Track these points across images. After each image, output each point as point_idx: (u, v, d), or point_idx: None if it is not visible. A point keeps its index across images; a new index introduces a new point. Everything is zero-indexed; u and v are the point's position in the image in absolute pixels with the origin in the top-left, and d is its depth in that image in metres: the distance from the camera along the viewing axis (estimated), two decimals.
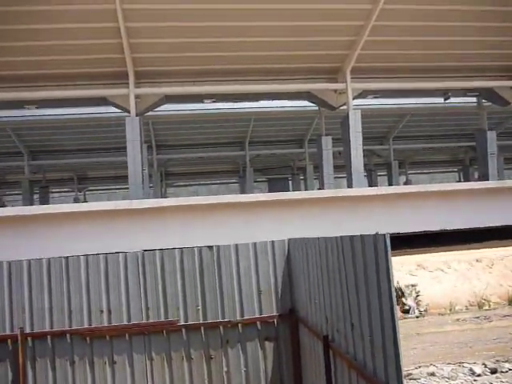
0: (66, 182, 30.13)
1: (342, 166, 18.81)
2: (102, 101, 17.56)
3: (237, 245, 6.86)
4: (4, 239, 10.02)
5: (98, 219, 14.45)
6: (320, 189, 20.67)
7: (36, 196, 27.81)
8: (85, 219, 14.26)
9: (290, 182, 31.95)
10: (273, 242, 6.89)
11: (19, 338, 6.16)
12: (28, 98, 16.79)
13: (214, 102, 19.43)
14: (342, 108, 18.16)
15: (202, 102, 19.66)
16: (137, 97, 16.89)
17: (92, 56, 15.53)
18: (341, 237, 4.35)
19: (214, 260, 6.78)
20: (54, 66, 15.54)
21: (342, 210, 15.96)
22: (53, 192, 31.80)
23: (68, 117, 20.77)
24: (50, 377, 6.31)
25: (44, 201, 26.89)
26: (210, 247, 6.81)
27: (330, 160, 19.99)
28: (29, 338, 6.28)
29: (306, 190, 27.25)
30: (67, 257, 6.50)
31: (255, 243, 6.89)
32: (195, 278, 6.71)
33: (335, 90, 17.92)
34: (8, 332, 6.27)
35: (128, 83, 16.44)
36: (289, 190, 29.45)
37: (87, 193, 33.52)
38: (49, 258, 6.46)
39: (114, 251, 6.44)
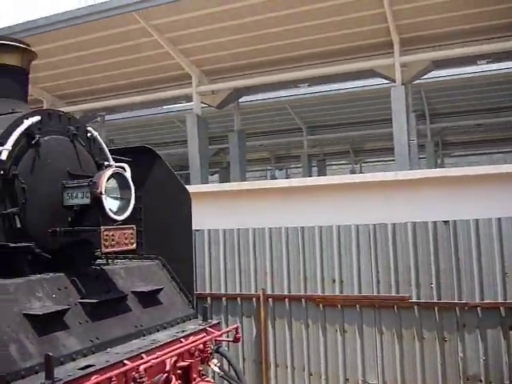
0: (342, 154, 31.37)
1: None
2: (369, 73, 17.63)
3: (477, 220, 6.18)
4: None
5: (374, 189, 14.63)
6: None
7: (314, 169, 29.76)
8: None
9: None
10: None
11: (261, 298, 6.82)
12: (300, 77, 17.94)
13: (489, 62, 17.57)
14: None
15: (476, 64, 17.98)
16: (403, 65, 16.42)
17: (355, 30, 15.66)
18: None
19: (449, 235, 6.25)
20: (317, 45, 16.16)
21: None
22: (329, 165, 33.45)
23: (339, 92, 21.46)
24: (287, 336, 6.81)
25: (321, 173, 28.54)
26: (446, 222, 6.29)
27: None
28: (270, 299, 6.88)
29: None
30: (303, 227, 6.85)
31: (499, 219, 6.09)
32: (428, 254, 6.32)
33: None
34: (253, 292, 6.99)
35: (393, 52, 16.09)
36: None
37: (363, 165, 34.28)
38: (287, 227, 6.93)
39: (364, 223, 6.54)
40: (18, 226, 4.19)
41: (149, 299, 5.01)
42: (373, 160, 34.31)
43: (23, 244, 4.23)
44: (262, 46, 15.97)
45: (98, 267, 4.93)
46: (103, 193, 4.24)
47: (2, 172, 4.18)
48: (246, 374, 6.88)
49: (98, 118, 21.49)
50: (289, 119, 24.64)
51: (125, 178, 4.57)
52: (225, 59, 16.93)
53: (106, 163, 5.17)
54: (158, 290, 5.13)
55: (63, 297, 4.22)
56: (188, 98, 19.72)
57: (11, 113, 4.72)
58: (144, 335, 4.67)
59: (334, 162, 34.31)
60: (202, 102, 18.66)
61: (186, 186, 5.87)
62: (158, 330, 4.88)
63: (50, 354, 3.41)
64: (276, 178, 29.54)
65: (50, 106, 17.31)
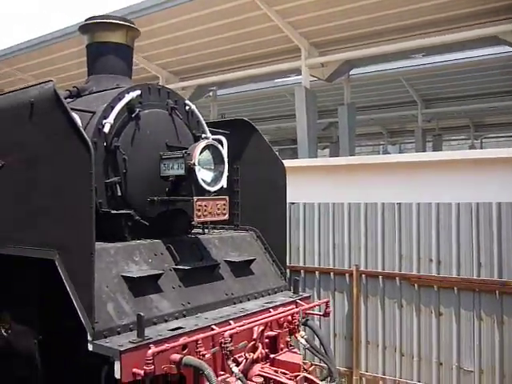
0: (460, 129, 29.61)
1: None
2: (493, 40, 16.35)
3: None
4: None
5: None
6: None
7: (429, 144, 28.40)
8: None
9: None
10: None
11: (355, 273, 6.73)
12: (415, 47, 17.08)
13: None
14: None
15: None
16: None
17: None
18: None
19: None
20: (433, 12, 15.24)
21: None
22: (446, 140, 31.73)
23: (457, 62, 20.16)
24: (380, 314, 6.67)
25: (437, 149, 27.19)
26: None
27: None
28: (363, 275, 6.77)
29: None
30: (399, 203, 6.61)
31: None
32: None
33: None
34: (346, 267, 6.92)
35: None
36: None
37: (484, 140, 32.11)
38: (383, 203, 6.72)
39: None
40: (119, 194, 4.49)
41: (241, 269, 5.15)
42: (494, 135, 32.02)
43: (124, 211, 4.53)
44: (374, 15, 15.39)
45: (193, 236, 5.15)
46: (196, 164, 4.40)
47: (105, 144, 4.49)
48: (335, 349, 6.87)
49: (211, 93, 22.10)
50: (402, 92, 23.63)
51: (218, 150, 4.69)
52: (334, 30, 16.56)
53: (203, 136, 5.34)
54: (251, 261, 5.26)
55: (158, 262, 4.47)
56: (298, 72, 19.66)
57: (115, 88, 5.02)
58: (234, 303, 4.83)
59: (450, 137, 32.51)
60: (312, 75, 18.49)
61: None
62: (249, 299, 5.02)
63: (142, 314, 3.66)
64: (389, 153, 28.64)
65: (165, 81, 18.09)
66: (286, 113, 25.68)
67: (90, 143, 3.62)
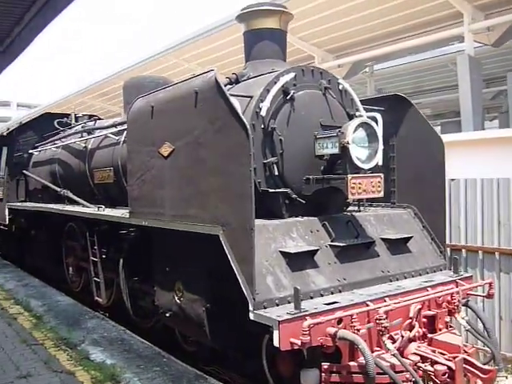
0: None
1: None
2: None
3: None
4: None
5: None
6: None
7: None
8: None
9: None
10: None
11: None
12: None
13: None
14: None
15: None
16: None
17: None
18: None
19: None
20: None
21: None
22: None
23: None
24: None
25: None
26: None
27: None
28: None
29: None
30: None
31: None
32: None
33: None
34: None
35: None
36: None
37: None
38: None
39: None
40: (277, 173, 4.71)
41: (397, 246, 5.10)
42: None
43: (281, 190, 4.74)
44: None
45: (349, 213, 5.21)
46: (350, 142, 4.44)
47: (262, 126, 4.74)
48: (500, 333, 6.45)
49: (367, 69, 21.64)
50: None
51: (372, 127, 4.66)
52: None
53: (357, 113, 5.34)
54: (408, 238, 5.17)
55: (314, 238, 4.62)
56: (460, 39, 18.36)
57: (271, 72, 5.23)
58: (390, 281, 4.81)
59: None
60: (476, 41, 17.16)
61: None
62: (405, 278, 4.96)
63: (298, 287, 3.84)
64: None
65: (321, 60, 18.13)
66: (450, 83, 24.16)
67: (249, 127, 3.87)
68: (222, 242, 4.10)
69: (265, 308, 3.92)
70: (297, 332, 3.70)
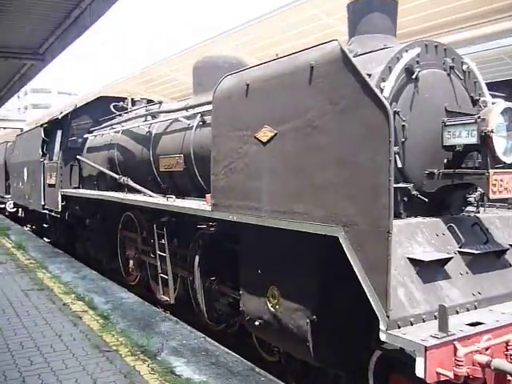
0: None
1: None
2: None
3: None
4: None
5: None
6: None
7: None
8: None
9: None
10: None
11: None
12: None
13: None
14: None
15: None
16: None
17: None
18: None
19: None
20: None
21: None
22: None
23: None
24: None
25: None
26: None
27: None
28: None
29: None
30: None
31: None
32: None
33: None
34: None
35: None
36: None
37: None
38: None
39: None
40: (400, 165, 4.00)
41: None
42: None
43: (402, 185, 4.04)
44: None
45: (472, 215, 4.48)
46: (494, 131, 3.71)
47: None
48: None
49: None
50: None
51: None
52: None
53: (481, 99, 4.59)
54: None
55: (441, 243, 3.91)
56: None
57: (384, 48, 4.53)
58: None
59: None
60: None
61: None
62: None
63: (446, 305, 3.16)
64: None
65: None
66: None
67: (389, 108, 3.18)
68: (344, 245, 3.44)
69: (399, 327, 3.24)
70: (445, 360, 3.03)
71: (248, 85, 4.45)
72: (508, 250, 4.13)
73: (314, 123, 3.72)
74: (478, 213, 4.67)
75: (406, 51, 4.13)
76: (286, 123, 4.01)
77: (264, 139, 4.23)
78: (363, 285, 3.31)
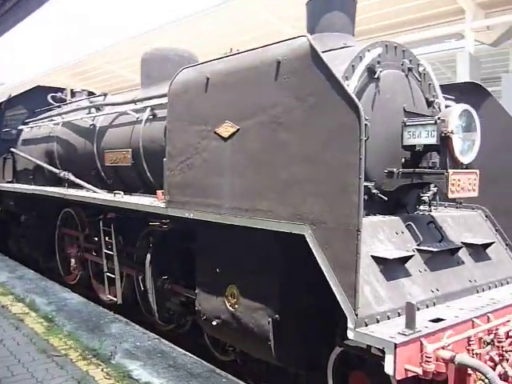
0: None
1: None
2: None
3: None
4: None
5: None
6: None
7: None
8: None
9: None
10: None
11: None
12: None
13: None
14: None
15: None
16: None
17: None
18: None
19: None
20: None
21: None
22: None
23: None
24: None
25: None
26: None
27: None
28: None
29: None
30: None
31: None
32: None
33: None
34: None
35: None
36: None
37: None
38: None
39: None
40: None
41: (479, 253, 4.51)
42: None
43: (364, 183, 4.05)
44: None
45: (426, 213, 4.59)
46: (454, 132, 3.80)
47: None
48: None
49: None
50: None
51: (472, 116, 4.04)
52: None
53: (436, 101, 4.72)
54: (489, 244, 4.59)
55: (400, 241, 3.98)
56: (457, 36, 18.00)
57: (344, 47, 4.55)
58: (477, 292, 4.22)
59: None
60: (476, 40, 16.81)
61: None
62: (490, 288, 4.38)
63: (413, 302, 3.20)
64: None
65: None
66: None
67: (360, 105, 3.18)
68: (310, 243, 3.41)
69: (366, 325, 3.25)
70: (412, 357, 3.07)
71: (208, 78, 4.34)
72: (461, 247, 4.27)
73: (280, 119, 3.67)
74: (431, 211, 4.80)
75: (369, 51, 4.16)
76: (249, 119, 3.93)
77: (225, 135, 4.14)
78: (331, 283, 3.29)
